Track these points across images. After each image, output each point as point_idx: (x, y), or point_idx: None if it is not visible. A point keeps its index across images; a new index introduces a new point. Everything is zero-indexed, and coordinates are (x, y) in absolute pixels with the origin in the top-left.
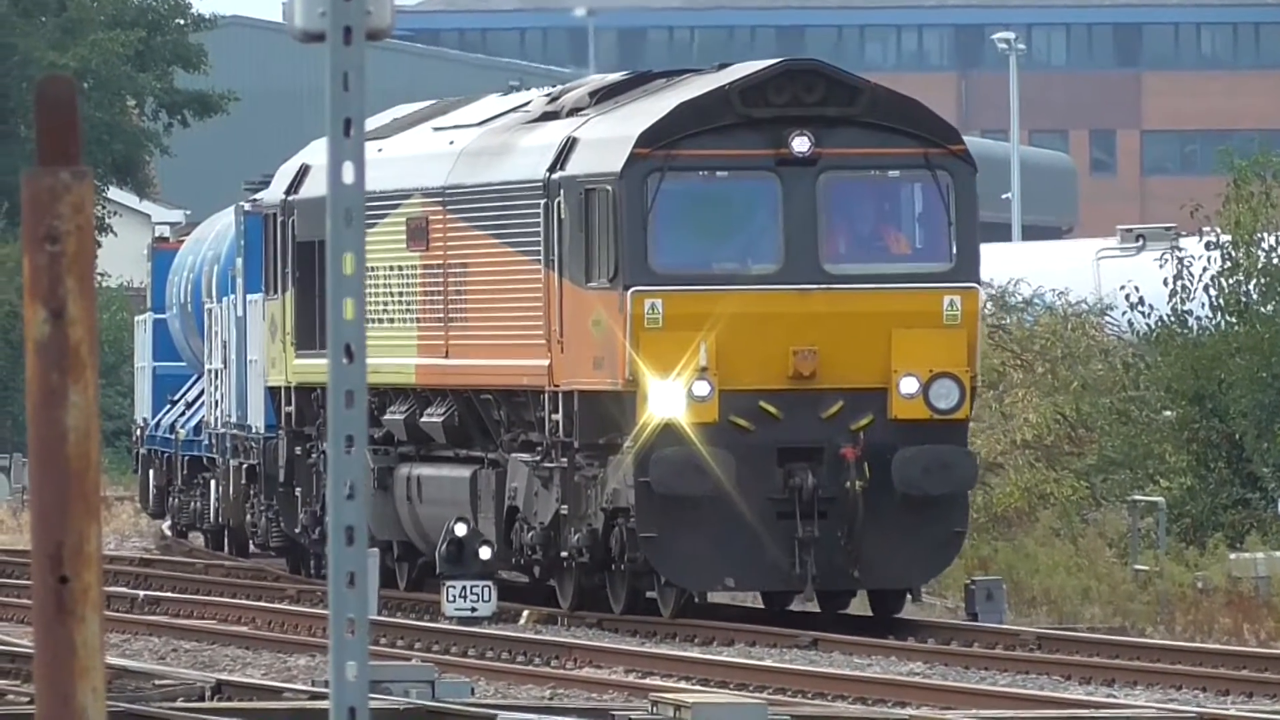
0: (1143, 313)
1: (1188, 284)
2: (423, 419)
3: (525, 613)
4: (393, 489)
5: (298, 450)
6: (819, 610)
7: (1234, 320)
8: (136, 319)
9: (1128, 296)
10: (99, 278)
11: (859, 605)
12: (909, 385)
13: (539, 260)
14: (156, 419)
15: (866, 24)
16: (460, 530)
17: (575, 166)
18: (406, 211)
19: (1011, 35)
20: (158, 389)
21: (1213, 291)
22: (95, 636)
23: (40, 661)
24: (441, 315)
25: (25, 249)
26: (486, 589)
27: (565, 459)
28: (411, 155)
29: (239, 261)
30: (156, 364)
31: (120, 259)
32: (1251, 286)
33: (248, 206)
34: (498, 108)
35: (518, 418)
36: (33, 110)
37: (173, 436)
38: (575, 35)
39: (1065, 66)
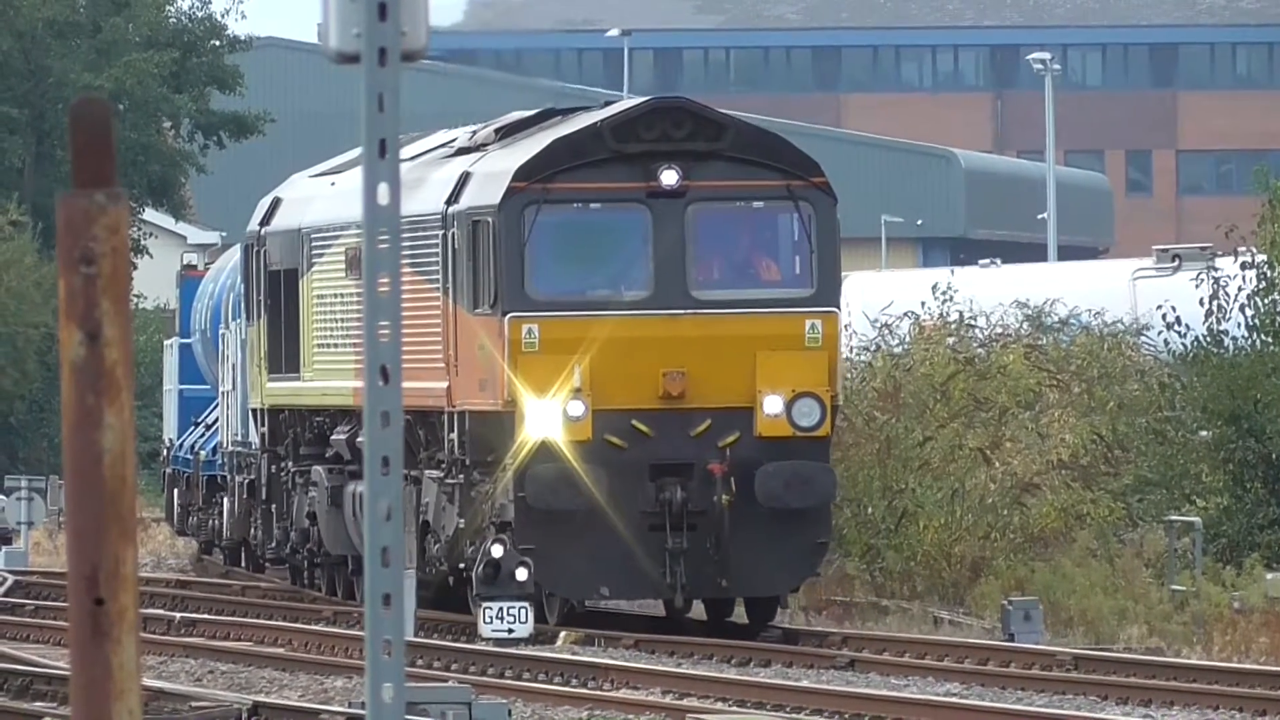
0: (1179, 333)
1: (1224, 304)
2: (360, 439)
3: (562, 634)
4: (344, 506)
5: (274, 469)
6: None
7: (1270, 340)
8: (165, 343)
9: (1164, 316)
10: (135, 299)
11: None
12: (773, 404)
13: (440, 288)
14: (181, 440)
15: (902, 44)
16: (497, 551)
17: (466, 200)
18: (346, 242)
19: (1047, 55)
20: (183, 411)
21: (1249, 311)
22: (132, 659)
23: (76, 684)
24: None
25: (61, 271)
26: (523, 610)
27: (463, 475)
28: (354, 189)
29: (242, 287)
30: (183, 387)
31: (156, 281)
32: None
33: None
34: (434, 142)
35: (433, 437)
36: (68, 132)
37: (193, 457)
38: (611, 56)
39: (1101, 86)
